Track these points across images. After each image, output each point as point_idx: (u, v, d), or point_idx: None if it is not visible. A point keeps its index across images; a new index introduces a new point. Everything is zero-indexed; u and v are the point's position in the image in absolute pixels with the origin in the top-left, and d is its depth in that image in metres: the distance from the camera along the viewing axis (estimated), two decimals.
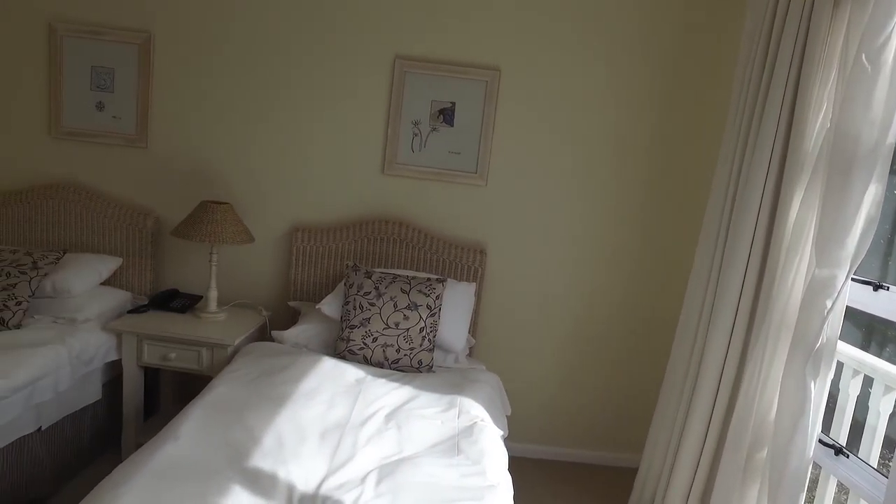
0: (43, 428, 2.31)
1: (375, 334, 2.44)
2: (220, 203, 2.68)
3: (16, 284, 2.49)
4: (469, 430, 2.02)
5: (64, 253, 2.70)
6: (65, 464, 2.46)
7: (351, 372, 2.32)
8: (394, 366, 2.44)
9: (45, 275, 2.58)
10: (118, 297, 2.81)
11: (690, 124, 2.86)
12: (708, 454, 2.29)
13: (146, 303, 2.80)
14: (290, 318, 2.91)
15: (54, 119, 2.95)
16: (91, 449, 2.62)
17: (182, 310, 2.76)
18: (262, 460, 1.71)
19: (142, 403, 2.67)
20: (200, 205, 2.67)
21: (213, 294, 2.75)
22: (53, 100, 2.93)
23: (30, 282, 2.52)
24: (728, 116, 2.38)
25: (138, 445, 2.59)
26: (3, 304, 2.44)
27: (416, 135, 2.89)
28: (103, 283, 2.83)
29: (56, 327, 2.49)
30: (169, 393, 2.94)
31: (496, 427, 2.14)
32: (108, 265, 2.82)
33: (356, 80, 2.86)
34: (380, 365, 2.44)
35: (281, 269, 2.98)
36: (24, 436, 2.22)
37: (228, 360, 2.52)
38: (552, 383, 3.06)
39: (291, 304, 2.87)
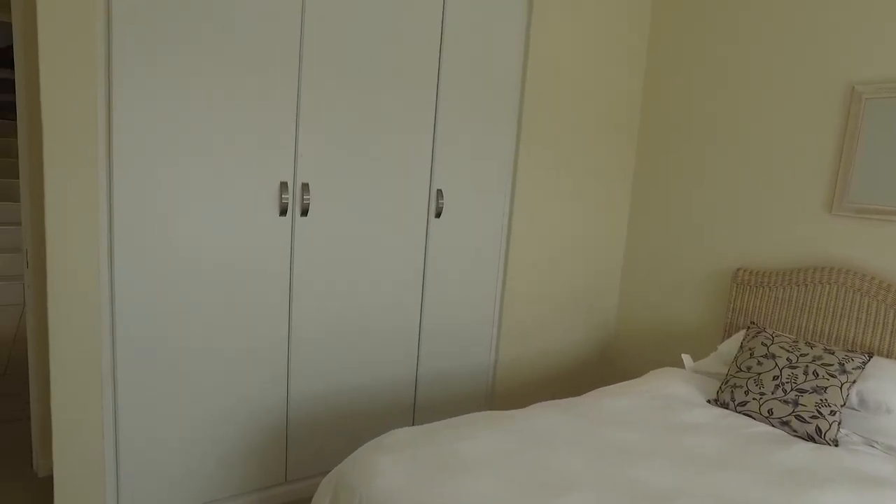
0: None
1: None
2: None
3: (826, 388, 2.11)
4: None
5: (870, 357, 2.21)
6: None
7: None
8: None
9: (853, 381, 2.13)
10: None
11: None
12: None
13: None
14: None
15: (839, 193, 2.55)
16: None
17: None
18: None
19: None
20: None
21: None
22: (842, 172, 2.54)
23: (840, 387, 2.10)
24: None
25: None
26: (817, 411, 2.08)
27: None
28: None
29: (886, 458, 1.97)
30: None
31: None
32: None
33: None
34: None
35: None
36: None
37: None
38: None
39: None
